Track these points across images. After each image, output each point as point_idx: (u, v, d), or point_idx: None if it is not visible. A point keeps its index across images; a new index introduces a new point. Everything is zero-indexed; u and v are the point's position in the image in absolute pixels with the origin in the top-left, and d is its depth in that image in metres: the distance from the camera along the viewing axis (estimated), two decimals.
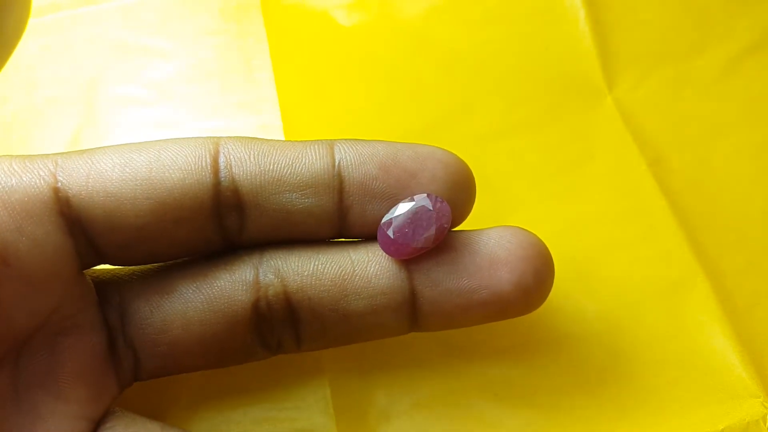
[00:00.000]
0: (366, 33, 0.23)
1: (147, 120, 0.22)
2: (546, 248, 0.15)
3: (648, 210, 0.20)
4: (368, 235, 0.15)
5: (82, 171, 0.14)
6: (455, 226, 0.16)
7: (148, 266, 0.16)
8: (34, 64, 0.23)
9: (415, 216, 0.15)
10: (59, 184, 0.14)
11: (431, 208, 0.15)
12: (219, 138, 0.15)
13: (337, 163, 0.15)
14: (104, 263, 0.15)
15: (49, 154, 0.14)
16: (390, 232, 0.15)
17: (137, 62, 0.23)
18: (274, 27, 0.23)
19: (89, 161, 0.14)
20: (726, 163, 0.21)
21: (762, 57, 0.22)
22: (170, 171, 0.14)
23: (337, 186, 0.15)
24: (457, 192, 0.15)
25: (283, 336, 0.16)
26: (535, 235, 0.15)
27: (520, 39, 0.23)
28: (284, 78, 0.23)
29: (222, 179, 0.14)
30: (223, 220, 0.15)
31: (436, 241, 0.15)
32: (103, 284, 0.15)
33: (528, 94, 0.22)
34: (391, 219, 0.15)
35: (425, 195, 0.15)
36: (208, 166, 0.14)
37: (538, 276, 0.15)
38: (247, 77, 0.23)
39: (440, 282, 0.15)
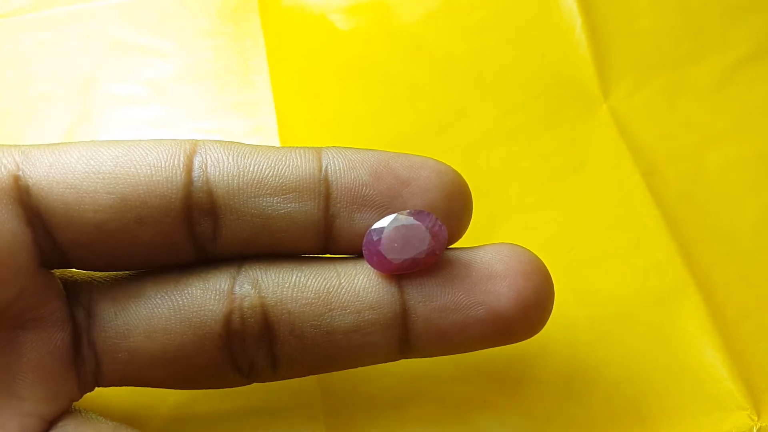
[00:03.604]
0: (363, 37, 0.23)
1: (141, 119, 0.22)
2: (545, 266, 0.14)
3: (640, 220, 0.20)
4: (357, 251, 0.14)
5: (46, 161, 0.13)
6: (453, 242, 0.15)
7: (125, 272, 0.15)
8: (29, 60, 0.23)
9: (408, 232, 0.13)
10: (20, 172, 0.13)
11: (427, 229, 0.13)
12: (199, 140, 0.14)
13: (324, 167, 0.14)
14: (69, 266, 0.15)
15: (18, 145, 0.14)
16: (376, 240, 0.14)
17: (133, 61, 0.23)
18: (272, 29, 0.23)
19: (56, 152, 0.14)
20: (719, 174, 0.21)
21: (757, 68, 0.22)
22: (138, 167, 0.13)
23: (324, 191, 0.14)
24: (453, 202, 0.14)
25: (257, 357, 0.14)
26: (532, 252, 0.14)
27: (517, 46, 0.23)
28: (280, 80, 0.23)
29: (195, 179, 0.14)
30: (194, 226, 0.14)
31: (422, 265, 0.14)
32: (76, 283, 0.15)
33: (523, 101, 0.22)
34: (382, 227, 0.14)
35: (426, 213, 0.14)
36: (181, 164, 0.14)
37: (538, 293, 0.14)
38: (244, 79, 0.23)
39: (434, 297, 0.14)
